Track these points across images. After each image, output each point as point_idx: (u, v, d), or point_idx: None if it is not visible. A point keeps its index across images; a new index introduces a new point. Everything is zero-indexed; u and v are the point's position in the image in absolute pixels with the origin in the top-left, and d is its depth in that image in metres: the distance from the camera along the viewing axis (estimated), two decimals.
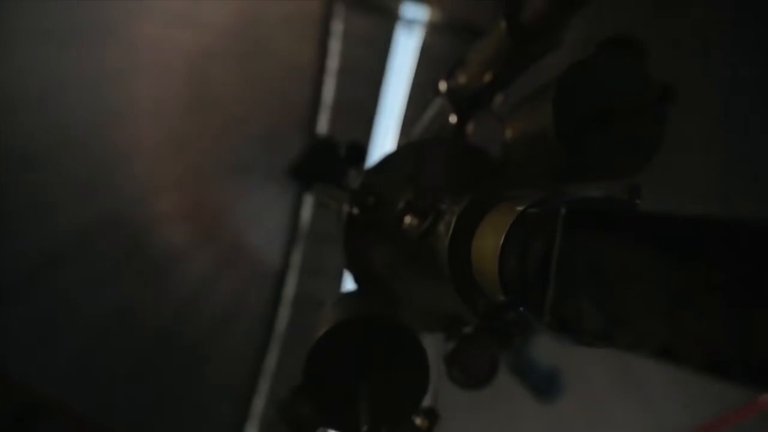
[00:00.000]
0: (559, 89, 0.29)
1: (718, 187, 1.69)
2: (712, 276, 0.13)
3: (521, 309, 0.19)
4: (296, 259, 4.31)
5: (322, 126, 3.91)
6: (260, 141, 3.60)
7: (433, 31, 3.39)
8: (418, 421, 0.34)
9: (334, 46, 3.43)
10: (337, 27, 3.35)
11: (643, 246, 0.14)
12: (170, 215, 2.85)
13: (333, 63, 3.60)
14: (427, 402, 0.38)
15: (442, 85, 0.53)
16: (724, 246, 0.13)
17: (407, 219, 0.42)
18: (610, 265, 0.15)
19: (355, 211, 0.41)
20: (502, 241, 0.20)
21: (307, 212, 4.19)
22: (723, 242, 0.13)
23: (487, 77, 0.45)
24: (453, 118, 0.52)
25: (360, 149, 0.41)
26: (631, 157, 0.30)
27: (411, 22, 3.50)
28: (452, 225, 0.24)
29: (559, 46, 0.35)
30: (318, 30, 3.23)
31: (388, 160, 0.44)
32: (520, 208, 0.20)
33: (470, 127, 0.53)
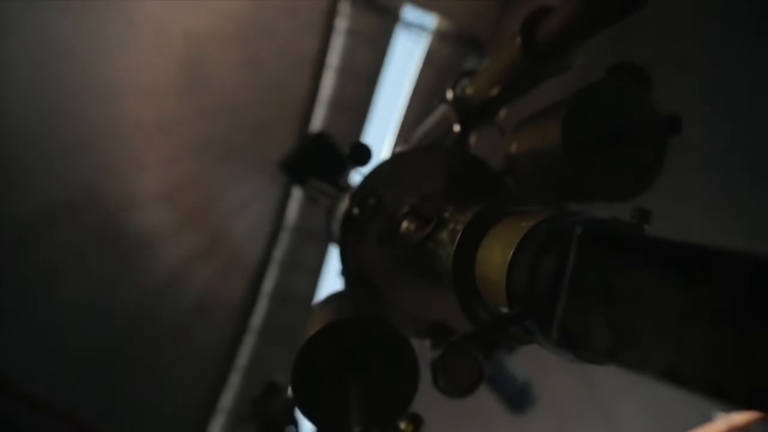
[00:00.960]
0: (569, 110, 0.30)
1: (718, 225, 1.74)
2: (718, 301, 0.13)
3: (527, 322, 0.19)
4: (278, 252, 4.26)
5: (317, 120, 3.89)
6: (252, 130, 3.55)
7: (438, 39, 3.42)
8: (402, 425, 0.34)
9: (337, 42, 3.42)
10: (342, 23, 3.34)
11: (654, 269, 0.15)
12: (153, 195, 2.78)
13: (334, 59, 3.59)
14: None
15: (449, 94, 0.53)
16: (732, 274, 0.13)
17: (405, 223, 0.43)
18: (621, 286, 0.16)
19: (356, 211, 0.41)
20: (511, 254, 0.20)
21: (294, 207, 4.14)
22: (731, 270, 0.13)
23: (495, 91, 0.46)
24: (456, 127, 0.53)
25: (365, 149, 0.41)
26: (632, 182, 0.31)
27: (411, 25, 3.53)
28: (459, 234, 0.25)
29: (569, 68, 0.36)
30: (323, 24, 3.21)
31: (391, 163, 0.44)
32: (530, 223, 0.20)
33: (472, 138, 0.54)
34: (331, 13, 3.14)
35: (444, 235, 0.30)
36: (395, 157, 0.44)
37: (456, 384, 0.42)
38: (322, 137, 1.43)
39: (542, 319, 0.18)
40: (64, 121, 2.22)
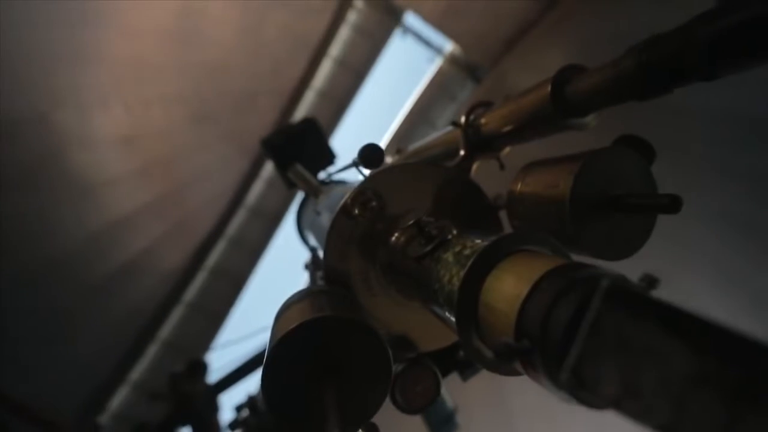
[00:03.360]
0: (584, 167, 0.33)
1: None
2: (721, 375, 0.15)
3: (533, 356, 0.20)
4: (231, 229, 4.09)
5: (303, 105, 3.81)
6: (235, 97, 3.41)
7: (448, 62, 3.51)
8: None
9: (343, 33, 3.40)
10: (352, 16, 3.33)
11: (668, 332, 0.17)
12: (112, 136, 2.57)
13: (335, 49, 3.56)
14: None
15: (462, 118, 0.55)
16: (739, 353, 0.15)
17: (399, 233, 0.43)
18: (636, 341, 0.17)
19: (356, 210, 0.41)
20: (528, 289, 0.21)
21: (258, 187, 4.01)
22: (738, 349, 0.15)
23: (508, 128, 0.48)
24: (462, 152, 0.54)
25: (377, 151, 0.42)
26: (621, 246, 0.34)
27: (409, 30, 3.60)
28: (474, 257, 0.26)
29: (585, 128, 0.39)
30: (334, 12, 3.18)
31: (397, 171, 0.45)
32: (551, 264, 0.22)
33: (474, 166, 0.55)
34: (346, 4, 3.12)
35: (448, 256, 0.30)
36: (402, 167, 0.45)
37: (412, 401, 0.42)
38: (312, 123, 1.41)
39: (551, 357, 0.19)
40: (24, 41, 2.00)
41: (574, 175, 0.33)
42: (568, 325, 0.19)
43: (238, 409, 1.37)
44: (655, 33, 0.29)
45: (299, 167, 0.91)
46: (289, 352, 0.32)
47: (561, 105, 0.37)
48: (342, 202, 0.43)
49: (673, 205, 0.28)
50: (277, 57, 3.30)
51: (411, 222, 0.34)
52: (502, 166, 0.55)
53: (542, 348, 0.20)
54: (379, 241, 0.45)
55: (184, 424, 1.36)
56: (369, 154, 0.41)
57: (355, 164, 0.47)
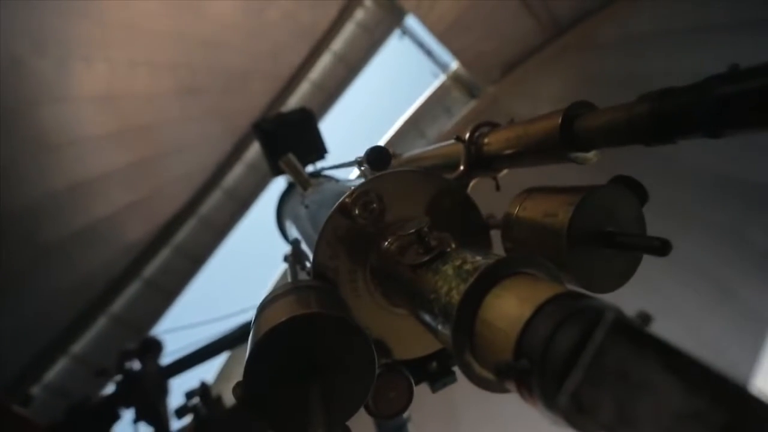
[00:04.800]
0: (585, 200, 0.34)
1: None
2: (713, 416, 0.16)
3: (529, 376, 0.21)
4: (204, 208, 3.96)
5: (296, 95, 3.76)
6: (227, 74, 3.32)
7: (452, 79, 3.56)
8: None
9: (347, 29, 3.38)
10: (359, 13, 3.32)
11: (667, 370, 0.18)
12: (89, 92, 2.43)
13: (337, 44, 3.54)
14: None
15: (466, 135, 0.56)
16: (733, 397, 0.16)
17: (393, 238, 0.43)
18: (636, 374, 0.18)
19: (356, 210, 0.41)
20: (533, 311, 0.22)
21: (238, 170, 3.91)
22: (732, 393, 0.16)
23: (511, 150, 0.50)
24: (461, 167, 0.55)
25: (385, 153, 0.42)
26: (607, 280, 0.35)
27: (407, 33, 3.64)
28: (478, 273, 0.26)
29: (586, 163, 0.41)
30: (341, 6, 3.16)
31: (400, 177, 0.45)
32: (557, 290, 0.22)
33: (471, 183, 0.57)
34: (354, 2, 3.10)
35: (448, 269, 0.31)
36: (409, 173, 0.45)
37: (384, 407, 0.42)
38: (308, 114, 1.39)
39: (550, 379, 0.20)
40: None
41: (575, 206, 0.34)
42: (571, 350, 0.20)
43: (189, 395, 1.32)
44: (667, 86, 0.31)
45: (292, 157, 0.90)
46: (274, 346, 0.31)
47: (568, 138, 0.38)
48: (342, 199, 0.43)
49: (663, 248, 0.30)
50: (277, 41, 3.24)
51: (412, 230, 0.34)
52: (498, 187, 0.57)
53: (541, 370, 0.21)
54: (371, 244, 0.45)
55: (128, 405, 1.30)
56: (376, 156, 0.41)
57: (358, 163, 0.47)
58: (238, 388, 0.33)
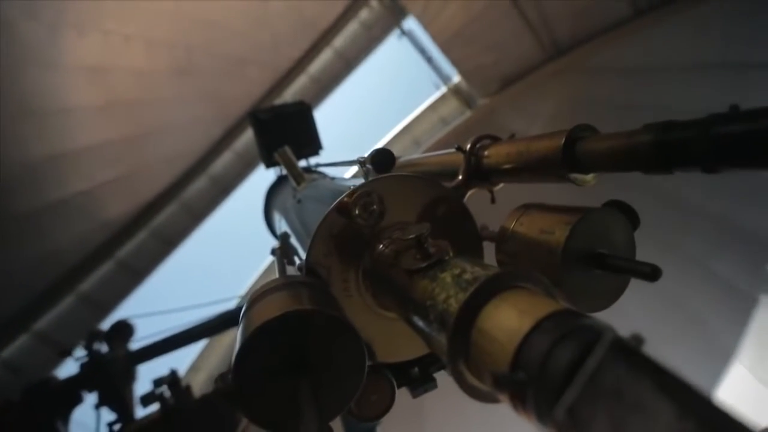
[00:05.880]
0: (582, 220, 0.35)
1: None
2: None
3: (525, 389, 0.21)
4: (187, 193, 3.87)
5: (293, 87, 3.73)
6: (226, 58, 3.26)
7: (452, 92, 3.59)
8: None
9: (351, 28, 3.38)
10: (364, 13, 3.32)
11: (661, 392, 0.18)
12: (82, 63, 2.35)
13: (339, 41, 3.53)
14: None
15: (467, 145, 0.57)
16: (720, 423, 0.17)
17: (388, 242, 0.43)
18: (630, 394, 0.19)
19: (356, 210, 0.41)
20: (531, 325, 0.23)
21: (227, 157, 3.84)
22: (720, 420, 0.17)
23: (510, 165, 0.51)
24: (460, 177, 0.56)
25: (389, 156, 0.42)
26: (597, 299, 0.36)
27: (406, 34, 3.67)
28: (478, 283, 0.27)
29: (583, 185, 0.42)
30: (346, 5, 3.15)
31: (401, 181, 0.45)
32: (557, 307, 0.23)
33: (468, 193, 0.57)
34: (360, 2, 3.10)
35: (446, 276, 0.31)
36: (408, 178, 0.45)
37: (366, 409, 0.42)
38: (305, 108, 1.38)
39: (546, 393, 0.20)
40: None
41: (572, 226, 0.35)
42: (569, 366, 0.20)
43: (157, 383, 1.29)
44: (670, 119, 0.32)
45: (288, 150, 0.89)
46: (265, 341, 0.31)
47: (569, 159, 0.39)
48: (341, 198, 0.43)
49: (653, 274, 0.31)
50: (278, 32, 3.21)
51: (413, 235, 0.34)
52: (493, 200, 0.58)
53: (538, 383, 0.21)
54: (365, 245, 0.45)
55: (91, 389, 1.25)
56: (381, 158, 0.41)
57: (360, 163, 0.47)
58: (220, 380, 0.32)
